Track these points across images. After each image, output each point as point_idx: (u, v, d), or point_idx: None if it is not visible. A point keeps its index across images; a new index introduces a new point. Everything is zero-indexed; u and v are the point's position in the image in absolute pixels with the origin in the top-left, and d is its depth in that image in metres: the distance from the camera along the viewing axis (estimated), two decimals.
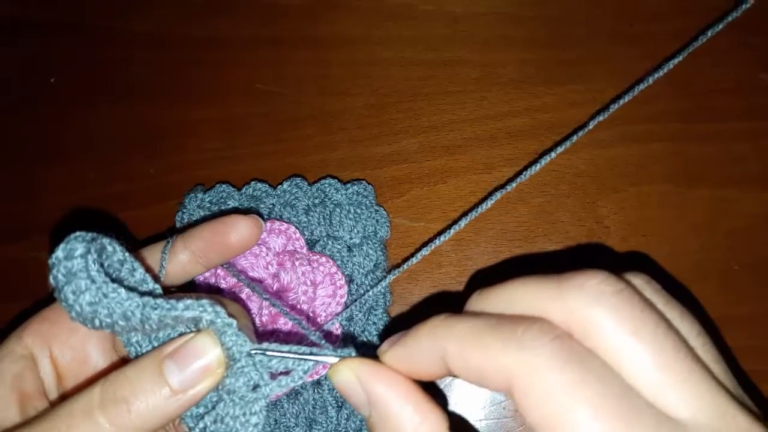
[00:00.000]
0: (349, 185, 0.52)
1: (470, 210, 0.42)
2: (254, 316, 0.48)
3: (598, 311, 0.26)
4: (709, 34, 0.43)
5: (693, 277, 0.50)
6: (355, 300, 0.48)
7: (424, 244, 0.45)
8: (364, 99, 0.56)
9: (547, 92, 0.55)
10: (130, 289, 0.34)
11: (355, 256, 0.49)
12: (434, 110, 0.55)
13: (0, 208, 0.57)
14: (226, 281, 0.48)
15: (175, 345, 0.34)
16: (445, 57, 0.57)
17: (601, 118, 0.42)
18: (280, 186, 0.52)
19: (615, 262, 0.51)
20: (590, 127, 0.42)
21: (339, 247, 0.49)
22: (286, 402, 0.47)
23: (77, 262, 0.32)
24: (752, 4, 0.42)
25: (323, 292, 0.48)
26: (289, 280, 0.48)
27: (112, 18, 0.61)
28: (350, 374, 0.32)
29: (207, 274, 0.49)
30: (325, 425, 0.47)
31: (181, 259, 0.43)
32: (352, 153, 0.55)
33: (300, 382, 0.35)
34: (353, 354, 0.33)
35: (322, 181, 0.52)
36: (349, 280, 0.49)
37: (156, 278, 0.39)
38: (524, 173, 0.42)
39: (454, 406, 0.50)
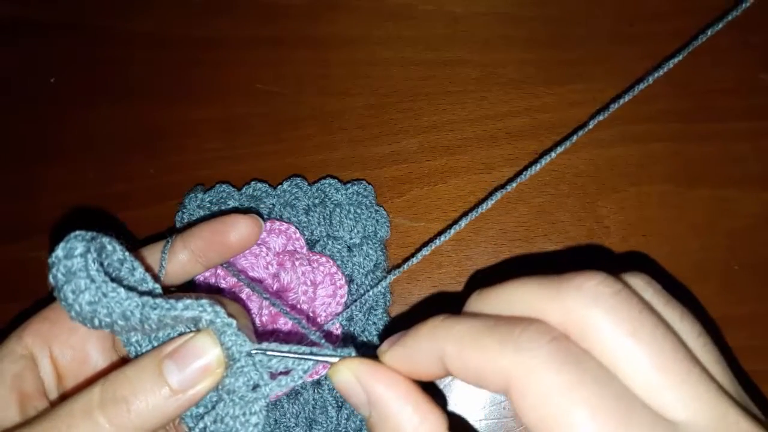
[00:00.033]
0: (349, 185, 0.52)
1: (470, 210, 0.42)
2: (254, 316, 0.48)
3: (595, 312, 0.26)
4: (709, 33, 0.43)
5: (693, 277, 0.49)
6: (355, 300, 0.48)
7: (424, 244, 0.45)
8: (364, 99, 0.56)
9: (547, 92, 0.55)
10: (130, 288, 0.34)
11: (355, 256, 0.49)
12: (434, 110, 0.55)
13: (0, 208, 0.57)
14: (226, 281, 0.48)
15: (174, 345, 0.34)
16: (445, 57, 0.57)
17: (601, 117, 0.42)
18: (280, 186, 0.52)
19: (615, 263, 0.51)
20: (590, 126, 0.42)
21: (339, 247, 0.49)
22: (286, 402, 0.47)
23: (77, 261, 0.32)
24: (752, 4, 0.42)
25: (323, 292, 0.48)
26: (289, 280, 0.48)
27: (112, 18, 0.61)
28: (350, 374, 0.32)
29: (207, 274, 0.49)
30: (325, 425, 0.47)
31: (181, 259, 0.43)
32: (352, 153, 0.55)
33: (300, 381, 0.34)
34: (353, 354, 0.33)
35: (322, 181, 0.52)
36: (349, 280, 0.49)
37: (156, 278, 0.39)
38: (524, 173, 0.42)
39: (454, 406, 0.50)
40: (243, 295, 0.48)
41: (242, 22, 0.59)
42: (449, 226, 0.42)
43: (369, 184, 0.52)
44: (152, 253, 0.42)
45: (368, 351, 0.34)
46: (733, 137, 0.52)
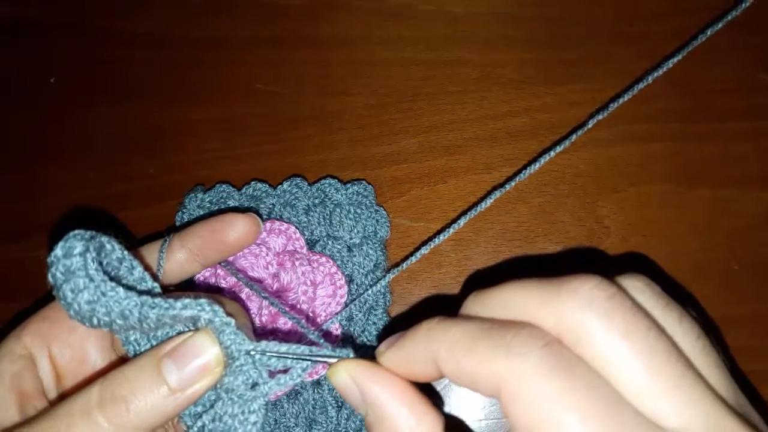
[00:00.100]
0: (349, 185, 0.52)
1: (469, 209, 0.42)
2: (254, 316, 0.48)
3: (588, 317, 0.26)
4: (709, 33, 0.43)
5: (693, 278, 0.49)
6: (354, 299, 0.48)
7: (423, 243, 0.45)
8: (364, 99, 0.56)
9: (547, 92, 0.55)
10: (129, 287, 0.34)
11: (355, 256, 0.49)
12: (434, 110, 0.55)
13: (0, 208, 0.57)
14: (226, 281, 0.48)
15: (173, 344, 0.34)
16: (445, 57, 0.57)
17: (600, 116, 0.42)
18: (280, 186, 0.52)
19: (614, 263, 0.51)
20: (590, 125, 0.42)
21: (339, 247, 0.49)
22: (286, 402, 0.47)
23: (76, 260, 0.32)
24: (751, 3, 0.42)
25: (323, 292, 0.48)
26: (289, 280, 0.48)
27: (112, 18, 0.61)
28: (347, 375, 0.32)
29: (207, 274, 0.49)
30: (325, 425, 0.47)
31: (179, 258, 0.43)
32: (352, 153, 0.55)
33: (299, 380, 0.34)
34: (351, 354, 0.33)
35: (322, 181, 0.52)
36: (349, 280, 0.49)
37: (155, 277, 0.39)
38: (524, 172, 0.42)
39: (453, 405, 0.50)
40: (243, 295, 0.48)
41: (242, 22, 0.59)
42: (448, 225, 0.42)
43: (369, 184, 0.52)
44: (151, 252, 0.42)
45: (367, 352, 0.34)
46: (733, 137, 0.52)
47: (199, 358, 0.34)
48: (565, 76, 0.55)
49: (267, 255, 0.49)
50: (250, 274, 0.48)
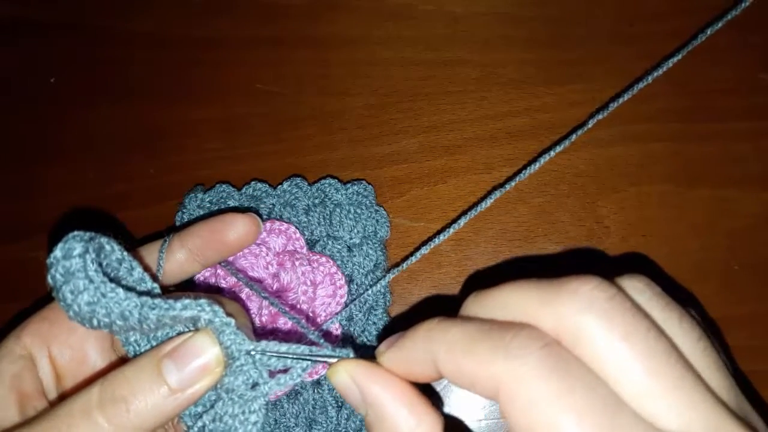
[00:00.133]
0: (349, 185, 0.52)
1: (469, 209, 0.42)
2: (254, 316, 0.48)
3: (588, 318, 0.26)
4: (709, 33, 0.43)
5: (693, 278, 0.49)
6: (354, 299, 0.48)
7: (423, 243, 0.45)
8: (364, 99, 0.56)
9: (547, 92, 0.55)
10: (129, 288, 0.34)
11: (355, 256, 0.49)
12: (434, 110, 0.55)
13: (0, 208, 0.57)
14: (226, 281, 0.48)
15: (173, 344, 0.34)
16: (445, 57, 0.57)
17: (600, 116, 0.42)
18: (280, 186, 0.52)
19: (614, 263, 0.51)
20: (589, 125, 0.42)
21: (339, 247, 0.49)
22: (286, 402, 0.47)
23: (75, 261, 0.32)
24: (751, 3, 0.42)
25: (323, 292, 0.48)
26: (289, 280, 0.48)
27: (112, 18, 0.61)
28: (346, 375, 0.32)
29: (207, 274, 0.49)
30: (325, 425, 0.47)
31: (179, 258, 0.43)
32: (352, 153, 0.55)
33: (299, 380, 0.35)
34: (351, 355, 0.34)
35: (322, 181, 0.52)
36: (349, 280, 0.49)
37: (154, 277, 0.39)
38: (524, 172, 0.42)
39: (453, 405, 0.50)
40: (243, 295, 0.48)
41: (242, 22, 0.59)
42: (448, 225, 0.42)
43: (369, 184, 0.52)
44: (150, 253, 0.42)
45: (367, 352, 0.34)
46: (733, 137, 0.52)
47: (199, 359, 0.34)
48: (565, 76, 0.55)
49: (267, 255, 0.49)
50: (250, 274, 0.48)
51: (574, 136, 0.42)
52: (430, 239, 0.43)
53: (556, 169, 0.53)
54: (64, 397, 0.37)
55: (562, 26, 0.56)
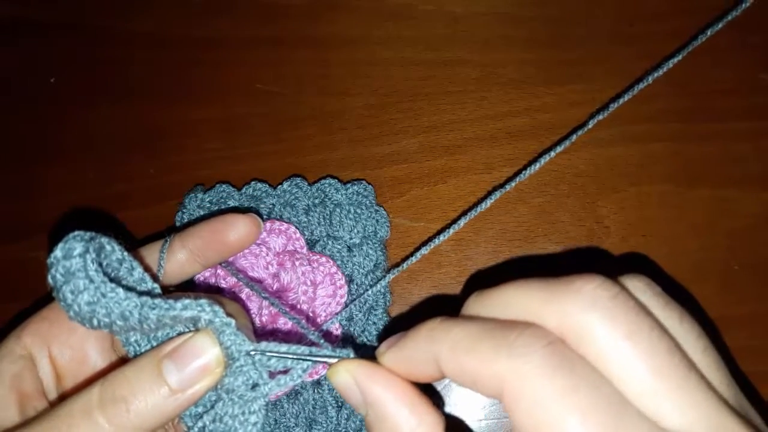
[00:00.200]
0: (349, 185, 0.52)
1: (469, 209, 0.42)
2: (254, 316, 0.48)
3: (591, 316, 0.26)
4: (709, 33, 0.43)
5: (693, 278, 0.49)
6: (354, 299, 0.48)
7: (423, 243, 0.45)
8: (364, 99, 0.56)
9: (547, 92, 0.55)
10: (129, 288, 0.34)
11: (355, 256, 0.49)
12: (434, 110, 0.55)
13: (0, 208, 0.57)
14: (226, 281, 0.48)
15: (173, 344, 0.34)
16: (445, 57, 0.57)
17: (600, 117, 0.42)
18: (280, 186, 0.52)
19: (614, 263, 0.51)
20: (590, 126, 0.42)
21: (339, 247, 0.49)
22: (286, 402, 0.47)
23: (76, 261, 0.32)
24: (751, 4, 0.42)
25: (323, 292, 0.48)
26: (289, 280, 0.48)
27: (112, 18, 0.61)
28: (347, 375, 0.32)
29: (207, 274, 0.49)
30: (325, 425, 0.47)
31: (179, 258, 0.43)
32: (352, 153, 0.55)
33: (299, 381, 0.34)
34: (351, 355, 0.33)
35: (322, 181, 0.52)
36: (349, 280, 0.49)
37: (155, 277, 0.39)
38: (524, 172, 0.42)
39: (454, 405, 0.50)
40: (243, 295, 0.48)
41: (242, 22, 0.59)
42: (448, 225, 0.42)
43: (369, 184, 0.52)
44: (151, 253, 0.42)
45: (367, 352, 0.34)
46: (733, 137, 0.52)
47: (200, 359, 0.34)
48: (565, 76, 0.55)
49: (267, 255, 0.49)
50: (250, 274, 0.48)
51: (574, 137, 0.42)
52: (430, 239, 0.43)
53: (556, 169, 0.53)
54: (64, 397, 0.37)
55: (562, 26, 0.56)
